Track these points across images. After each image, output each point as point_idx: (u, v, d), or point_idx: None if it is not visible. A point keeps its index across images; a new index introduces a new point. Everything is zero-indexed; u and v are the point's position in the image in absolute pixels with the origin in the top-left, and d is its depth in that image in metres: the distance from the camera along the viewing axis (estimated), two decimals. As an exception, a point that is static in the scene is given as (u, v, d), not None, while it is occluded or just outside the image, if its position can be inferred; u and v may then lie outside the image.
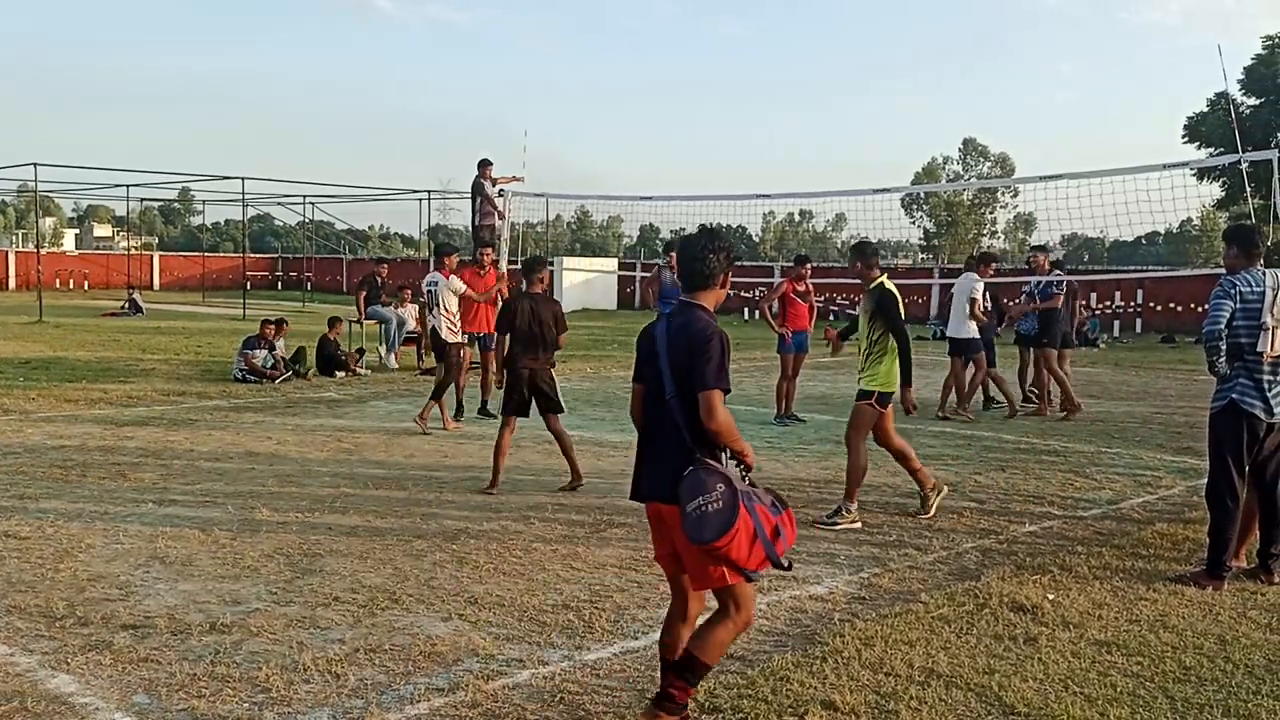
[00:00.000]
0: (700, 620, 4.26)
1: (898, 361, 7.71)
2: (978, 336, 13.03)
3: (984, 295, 13.06)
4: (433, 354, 12.54)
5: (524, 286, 8.86)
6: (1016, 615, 5.63)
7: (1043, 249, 14.85)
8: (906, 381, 7.72)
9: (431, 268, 12.83)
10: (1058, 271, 13.94)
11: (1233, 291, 6.21)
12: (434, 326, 11.88)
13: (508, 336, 8.68)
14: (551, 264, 39.18)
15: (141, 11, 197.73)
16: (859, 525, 7.57)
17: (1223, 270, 6.52)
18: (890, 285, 7.87)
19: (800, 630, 5.42)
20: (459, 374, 12.00)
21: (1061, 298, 13.29)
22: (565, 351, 21.00)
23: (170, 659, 4.83)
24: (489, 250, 13.83)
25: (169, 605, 5.56)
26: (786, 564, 4.04)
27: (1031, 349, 13.84)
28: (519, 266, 9.95)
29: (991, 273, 13.52)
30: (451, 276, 11.87)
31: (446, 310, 11.67)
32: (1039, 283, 13.47)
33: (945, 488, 8.13)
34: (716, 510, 3.85)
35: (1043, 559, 6.73)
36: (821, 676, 4.75)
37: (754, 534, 3.89)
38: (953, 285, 13.76)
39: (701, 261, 4.25)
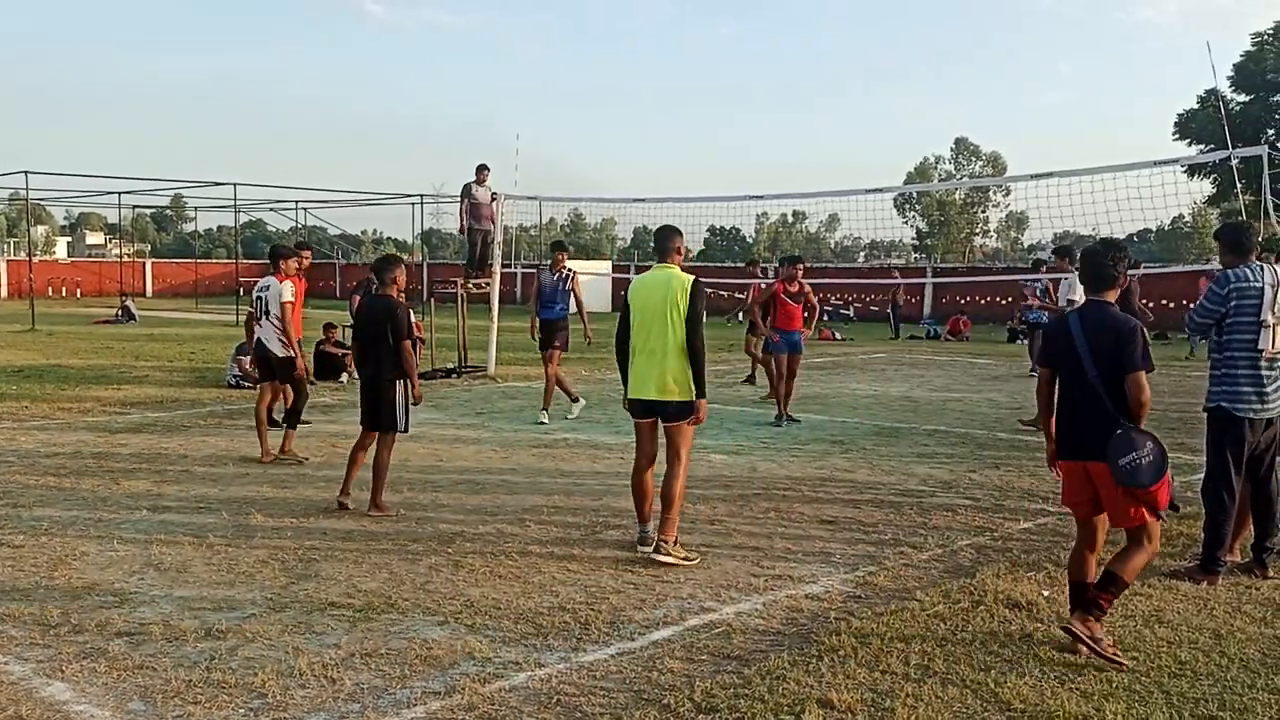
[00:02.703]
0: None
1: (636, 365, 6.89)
2: None
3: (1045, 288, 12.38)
4: (257, 371, 10.64)
5: (374, 288, 8.27)
6: (1012, 612, 5.64)
7: None
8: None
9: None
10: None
11: (1226, 290, 6.20)
12: (261, 339, 10.03)
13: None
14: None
15: (130, 17, 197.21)
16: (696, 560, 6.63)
17: (1213, 268, 6.53)
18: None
19: (796, 629, 5.42)
20: (275, 393, 10.38)
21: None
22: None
23: (165, 666, 4.82)
24: (307, 252, 11.40)
25: (164, 612, 5.55)
26: (1176, 508, 5.23)
27: None
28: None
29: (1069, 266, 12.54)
30: (286, 282, 9.97)
31: (277, 321, 9.87)
32: None
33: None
34: (1150, 462, 4.89)
35: (1037, 556, 6.75)
36: (818, 675, 4.75)
37: (1169, 482, 5.00)
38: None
39: (1110, 267, 5.21)
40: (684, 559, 6.52)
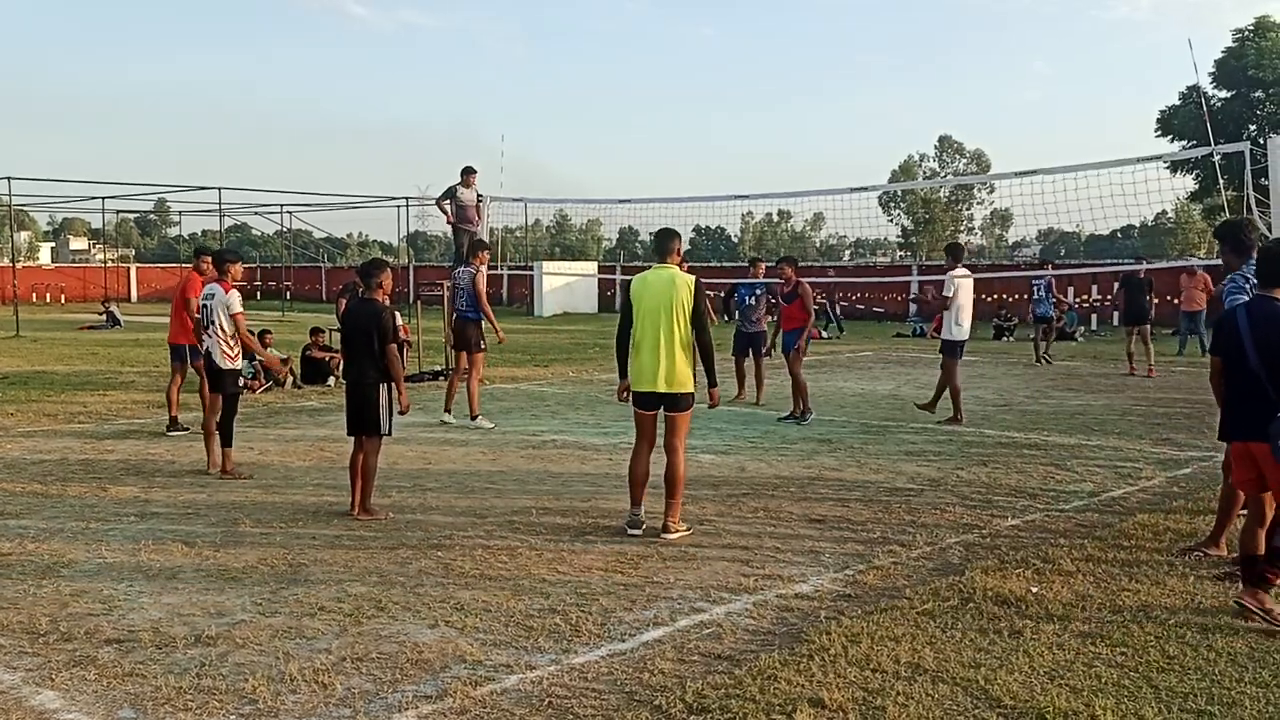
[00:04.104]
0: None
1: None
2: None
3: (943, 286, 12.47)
4: (209, 384, 9.88)
5: (360, 292, 8.18)
6: (1000, 609, 5.67)
7: None
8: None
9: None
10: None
11: (1246, 286, 6.27)
12: (207, 349, 9.57)
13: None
14: (529, 269, 39.26)
15: (113, 19, 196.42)
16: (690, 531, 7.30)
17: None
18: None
19: (787, 629, 5.43)
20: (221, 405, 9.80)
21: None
22: (546, 355, 21.09)
23: (155, 673, 4.80)
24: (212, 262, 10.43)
25: (153, 619, 5.53)
26: None
27: None
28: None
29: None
30: (233, 291, 9.56)
31: (222, 331, 9.43)
32: None
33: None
34: None
35: (1026, 552, 6.78)
36: (809, 674, 4.77)
37: None
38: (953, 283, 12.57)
39: None
40: (687, 530, 7.24)
